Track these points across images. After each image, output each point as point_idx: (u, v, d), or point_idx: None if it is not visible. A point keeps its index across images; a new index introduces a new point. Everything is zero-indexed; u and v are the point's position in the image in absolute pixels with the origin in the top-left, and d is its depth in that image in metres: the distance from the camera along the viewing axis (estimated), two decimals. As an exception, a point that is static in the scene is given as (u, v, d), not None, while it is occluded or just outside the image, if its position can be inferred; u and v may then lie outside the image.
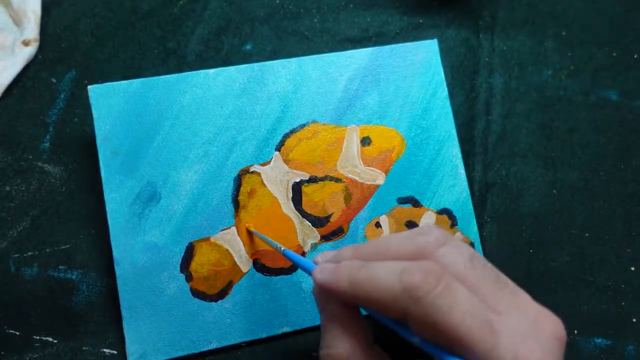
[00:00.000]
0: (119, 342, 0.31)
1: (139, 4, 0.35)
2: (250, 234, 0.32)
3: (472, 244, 0.34)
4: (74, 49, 0.34)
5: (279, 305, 0.31)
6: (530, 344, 0.20)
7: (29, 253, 0.31)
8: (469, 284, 0.21)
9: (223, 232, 0.32)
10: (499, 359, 0.20)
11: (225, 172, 0.32)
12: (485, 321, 0.20)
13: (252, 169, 0.32)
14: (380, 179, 0.33)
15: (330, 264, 0.23)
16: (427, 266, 0.20)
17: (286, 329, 0.31)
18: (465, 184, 0.34)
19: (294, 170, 0.33)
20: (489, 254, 0.34)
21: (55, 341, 0.30)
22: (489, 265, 0.22)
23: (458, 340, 0.20)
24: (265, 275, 0.31)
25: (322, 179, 0.33)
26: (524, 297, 0.22)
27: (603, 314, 0.34)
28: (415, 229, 0.24)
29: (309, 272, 0.25)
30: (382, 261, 0.22)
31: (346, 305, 0.23)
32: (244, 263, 0.31)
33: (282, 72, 0.33)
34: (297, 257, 0.27)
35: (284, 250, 0.28)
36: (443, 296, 0.20)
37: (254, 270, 0.31)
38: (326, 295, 0.23)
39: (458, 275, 0.21)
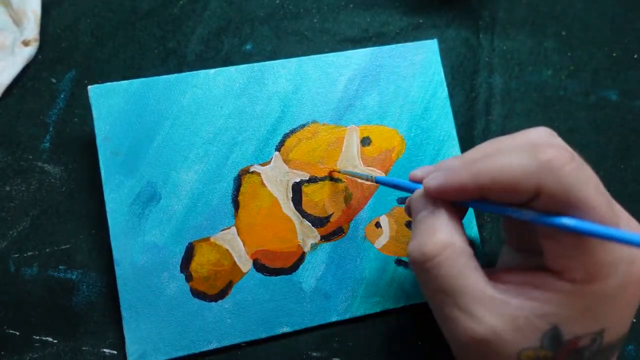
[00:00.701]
0: (119, 342, 0.31)
1: (139, 4, 0.35)
2: (332, 175, 0.33)
3: (472, 244, 0.34)
4: (74, 49, 0.34)
5: (278, 305, 0.31)
6: None
7: (29, 253, 0.31)
8: None
9: (223, 232, 0.32)
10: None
11: (225, 172, 0.32)
12: (610, 200, 0.22)
13: (252, 169, 0.32)
14: (380, 179, 0.33)
15: (439, 172, 0.24)
16: (557, 144, 0.22)
17: (286, 329, 0.31)
18: (465, 184, 0.34)
19: (294, 170, 0.33)
20: (489, 254, 0.34)
21: (55, 341, 0.30)
22: None
23: (591, 210, 0.21)
24: (265, 275, 0.31)
25: (322, 179, 0.33)
26: (616, 205, 0.24)
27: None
28: (519, 132, 0.24)
29: (409, 190, 0.26)
30: (498, 154, 0.22)
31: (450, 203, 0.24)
32: (244, 263, 0.31)
33: (282, 72, 0.33)
34: (393, 179, 0.28)
35: (375, 177, 0.29)
36: (578, 169, 0.21)
37: (254, 270, 0.31)
38: (427, 198, 0.24)
39: None
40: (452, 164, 0.24)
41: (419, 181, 0.25)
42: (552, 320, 0.22)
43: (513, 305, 0.22)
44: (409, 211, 0.27)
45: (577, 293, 0.22)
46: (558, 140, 0.24)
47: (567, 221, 0.20)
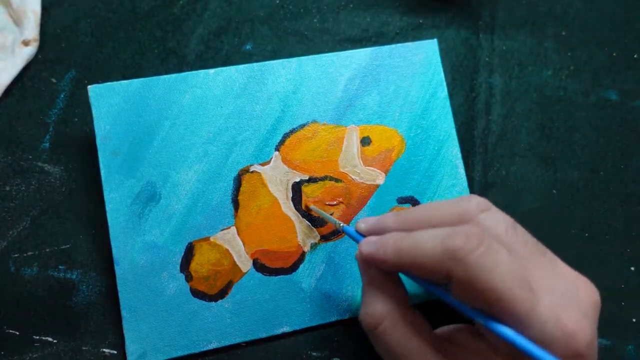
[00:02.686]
0: (119, 342, 0.31)
1: (139, 4, 0.36)
2: (308, 209, 0.32)
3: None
4: (74, 49, 0.34)
5: (278, 305, 0.31)
6: (570, 308, 0.21)
7: (29, 253, 0.31)
8: (509, 248, 0.22)
9: (223, 232, 0.32)
10: (538, 320, 0.20)
11: (225, 172, 0.32)
12: (525, 282, 0.21)
13: (252, 169, 0.32)
14: (380, 178, 0.33)
15: (374, 237, 0.25)
16: (468, 229, 0.21)
17: (286, 329, 0.31)
18: (465, 184, 0.34)
19: (294, 170, 0.33)
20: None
21: (55, 341, 0.30)
22: (529, 234, 0.23)
23: (498, 301, 0.20)
24: (265, 275, 0.31)
25: (322, 179, 0.33)
26: (561, 265, 0.24)
27: (603, 314, 0.34)
28: (456, 198, 0.25)
29: (357, 240, 0.27)
30: (424, 229, 0.23)
31: (386, 272, 0.25)
32: (244, 263, 0.31)
33: (282, 72, 0.33)
34: (351, 230, 0.28)
35: (342, 226, 0.29)
36: (484, 256, 0.20)
37: (254, 270, 0.31)
38: (367, 262, 0.25)
39: (499, 239, 0.22)
40: (388, 223, 0.25)
41: (363, 233, 0.27)
42: None
43: None
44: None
45: None
46: (487, 216, 0.23)
47: (476, 317, 0.21)
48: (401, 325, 0.24)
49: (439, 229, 0.22)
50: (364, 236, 0.26)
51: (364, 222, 0.27)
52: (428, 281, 0.24)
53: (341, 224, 0.30)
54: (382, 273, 0.25)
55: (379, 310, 0.24)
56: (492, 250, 0.21)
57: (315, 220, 0.32)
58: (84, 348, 0.30)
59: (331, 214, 0.33)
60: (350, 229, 0.28)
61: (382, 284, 0.25)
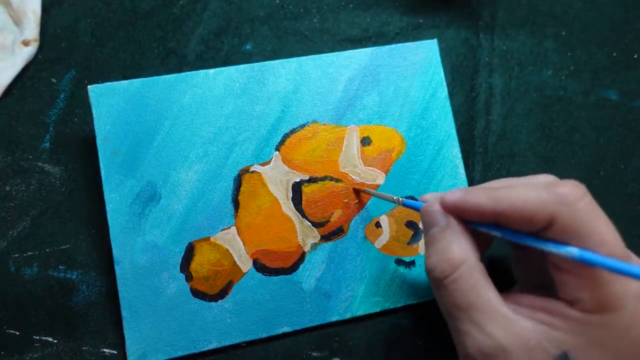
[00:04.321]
0: (119, 342, 0.31)
1: (139, 4, 0.35)
2: (357, 192, 0.33)
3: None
4: (74, 49, 0.34)
5: (278, 305, 0.31)
6: None
7: (29, 253, 0.31)
8: None
9: (223, 232, 0.32)
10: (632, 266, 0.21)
11: (225, 172, 0.32)
12: (620, 239, 0.23)
13: (252, 169, 0.32)
14: (380, 179, 0.33)
15: (458, 189, 0.25)
16: (572, 182, 0.23)
17: (286, 329, 0.31)
18: (465, 184, 0.34)
19: (294, 170, 0.33)
20: (489, 254, 0.34)
21: (55, 341, 0.30)
22: None
23: (601, 245, 0.22)
24: (265, 275, 0.31)
25: (322, 179, 0.33)
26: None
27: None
28: (526, 177, 0.26)
29: (416, 208, 0.27)
30: (517, 185, 0.24)
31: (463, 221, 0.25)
32: (244, 263, 0.31)
33: (282, 72, 0.33)
34: (413, 202, 0.28)
35: (402, 201, 0.29)
36: (591, 205, 0.22)
37: (254, 270, 0.31)
38: (451, 210, 0.25)
39: None
40: (471, 190, 0.25)
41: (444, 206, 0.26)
42: (563, 346, 0.22)
43: (525, 326, 0.23)
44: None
45: (587, 322, 0.22)
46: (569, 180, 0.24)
47: (574, 250, 0.21)
48: (478, 273, 0.24)
49: (538, 184, 0.23)
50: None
51: (432, 194, 0.27)
52: (510, 230, 0.24)
53: (401, 198, 0.29)
54: (460, 221, 0.25)
55: (457, 255, 0.24)
56: (595, 203, 0.23)
57: (315, 221, 0.32)
58: (84, 348, 0.30)
59: (331, 214, 0.33)
60: (412, 201, 0.29)
61: (460, 231, 0.25)
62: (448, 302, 0.24)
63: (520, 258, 0.28)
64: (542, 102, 0.37)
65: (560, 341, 0.22)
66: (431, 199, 0.26)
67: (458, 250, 0.24)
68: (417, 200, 0.33)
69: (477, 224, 0.25)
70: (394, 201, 0.30)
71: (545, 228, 0.22)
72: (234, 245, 0.32)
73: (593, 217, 0.22)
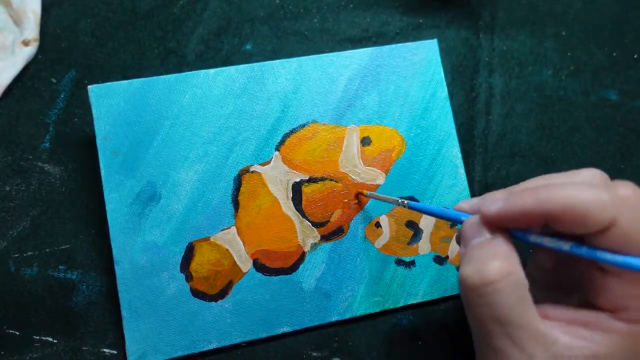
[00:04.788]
0: (119, 342, 0.31)
1: (139, 4, 0.35)
2: (362, 196, 0.32)
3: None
4: (74, 49, 0.34)
5: (278, 305, 0.31)
6: None
7: (29, 253, 0.31)
8: None
9: (223, 232, 0.32)
10: None
11: (225, 172, 0.32)
12: None
13: (252, 169, 0.32)
14: (380, 179, 0.33)
15: (497, 197, 0.23)
16: (630, 183, 0.21)
17: (286, 329, 0.31)
18: (465, 184, 0.34)
19: (294, 170, 0.33)
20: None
21: (55, 341, 0.30)
22: None
23: None
24: (265, 275, 0.31)
25: (322, 179, 0.33)
26: None
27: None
28: (567, 172, 0.24)
29: (457, 220, 0.24)
30: (565, 184, 0.21)
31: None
32: (244, 263, 0.31)
33: (282, 72, 0.33)
34: (435, 208, 0.27)
35: (407, 203, 0.28)
36: None
37: (254, 270, 0.31)
38: (494, 220, 0.22)
39: None
40: (498, 196, 0.23)
41: (466, 212, 0.25)
42: None
43: (562, 343, 0.21)
44: (459, 240, 0.25)
45: (633, 334, 0.21)
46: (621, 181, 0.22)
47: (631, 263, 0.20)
48: (522, 288, 0.21)
49: (589, 182, 0.22)
50: (458, 215, 0.25)
51: (466, 202, 0.25)
52: (558, 235, 0.22)
53: (406, 202, 0.28)
54: (506, 233, 0.23)
55: (502, 266, 0.21)
56: None
57: (315, 221, 0.32)
58: (84, 348, 0.30)
59: (331, 214, 0.33)
60: (422, 205, 0.27)
61: (503, 240, 0.22)
62: (486, 314, 0.21)
63: (545, 259, 0.26)
64: (542, 102, 0.37)
65: (601, 357, 0.21)
66: (467, 208, 0.24)
67: (504, 261, 0.21)
68: (417, 200, 0.33)
69: (521, 235, 0.23)
70: (399, 204, 0.29)
71: (600, 232, 0.20)
72: (234, 245, 0.32)
73: None
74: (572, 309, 0.23)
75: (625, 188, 0.21)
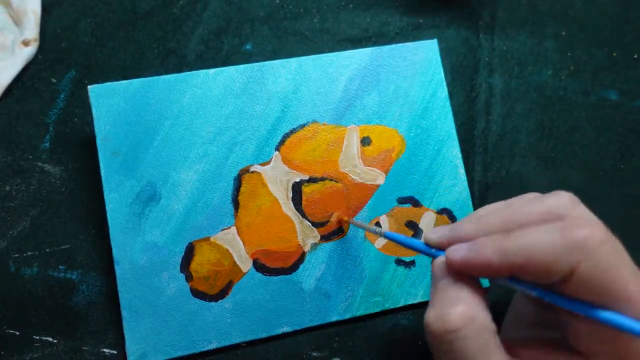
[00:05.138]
0: (119, 342, 0.31)
1: (139, 4, 0.35)
2: (341, 222, 0.32)
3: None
4: (74, 49, 0.34)
5: (278, 305, 0.31)
6: None
7: (29, 253, 0.31)
8: None
9: (223, 232, 0.32)
10: None
11: (225, 172, 0.32)
12: None
13: (252, 169, 0.32)
14: (380, 179, 0.33)
15: (462, 244, 0.22)
16: (587, 218, 0.20)
17: (286, 329, 0.31)
18: (465, 184, 0.34)
19: (294, 170, 0.33)
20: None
21: (55, 341, 0.30)
22: None
23: (627, 299, 0.19)
24: (265, 275, 0.31)
25: (322, 179, 0.33)
26: None
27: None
28: (532, 195, 0.23)
29: (431, 254, 0.24)
30: (524, 228, 0.21)
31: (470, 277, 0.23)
32: (244, 263, 0.31)
33: (282, 72, 0.33)
34: (409, 240, 0.26)
35: (385, 233, 0.27)
36: (614, 251, 0.19)
37: (254, 270, 0.31)
38: (460, 269, 0.22)
39: None
40: (467, 230, 0.23)
41: (434, 247, 0.24)
42: None
43: None
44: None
45: None
46: (583, 211, 0.22)
47: (607, 315, 0.19)
48: (489, 333, 0.21)
49: (549, 224, 0.20)
50: (430, 248, 0.24)
51: (434, 231, 0.24)
52: (526, 283, 0.22)
53: (383, 231, 0.28)
54: (467, 277, 0.22)
55: (465, 312, 0.21)
56: (617, 244, 0.20)
57: (315, 221, 0.32)
58: (84, 348, 0.30)
59: (330, 215, 0.33)
60: (404, 237, 0.27)
61: (466, 285, 0.22)
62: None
63: (525, 299, 0.26)
64: (542, 102, 0.37)
65: None
66: (435, 241, 0.24)
67: (467, 306, 0.21)
68: (417, 200, 0.33)
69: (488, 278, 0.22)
70: (377, 233, 0.29)
71: (562, 280, 0.20)
72: (234, 245, 0.32)
73: (617, 266, 0.19)
74: (544, 351, 0.22)
75: (581, 230, 0.20)
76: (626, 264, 0.20)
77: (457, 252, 0.22)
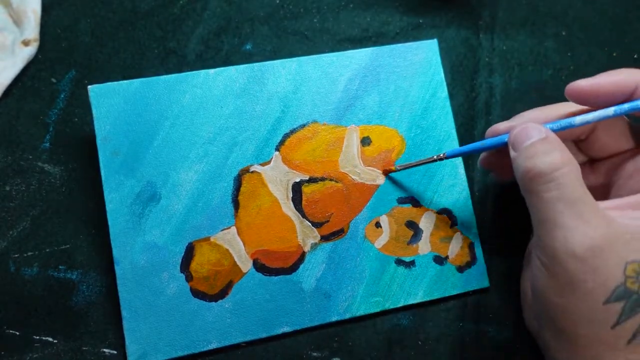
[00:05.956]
0: (119, 342, 0.31)
1: (139, 4, 0.35)
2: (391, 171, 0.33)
3: (472, 244, 0.34)
4: (74, 49, 0.34)
5: (278, 305, 0.31)
6: None
7: (29, 253, 0.31)
8: None
9: (223, 232, 0.32)
10: None
11: (225, 172, 0.32)
12: None
13: (252, 169, 0.32)
14: (380, 179, 0.33)
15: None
16: None
17: (286, 329, 0.31)
18: (465, 184, 0.34)
19: (294, 170, 0.33)
20: (489, 254, 0.34)
21: (55, 341, 0.30)
22: None
23: None
24: (265, 275, 0.31)
25: (322, 179, 0.33)
26: None
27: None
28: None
29: (500, 143, 0.29)
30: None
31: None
32: (244, 263, 0.31)
33: (282, 72, 0.33)
34: (474, 144, 0.31)
35: (446, 153, 0.31)
36: None
37: (254, 270, 0.31)
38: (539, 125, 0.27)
39: None
40: (531, 116, 0.30)
41: (504, 132, 0.29)
42: None
43: (619, 222, 0.24)
44: (487, 162, 0.32)
45: None
46: None
47: None
48: (580, 173, 0.25)
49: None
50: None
51: (501, 123, 0.30)
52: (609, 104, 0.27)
53: (445, 154, 0.31)
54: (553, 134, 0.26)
55: (563, 155, 0.25)
56: None
57: (315, 221, 0.32)
58: (84, 348, 0.31)
59: (330, 215, 0.33)
60: (466, 146, 0.31)
61: (556, 137, 0.26)
62: (555, 197, 0.24)
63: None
64: (542, 102, 0.37)
65: None
66: (503, 129, 0.29)
67: (560, 152, 0.25)
68: (416, 200, 0.33)
69: (567, 124, 0.27)
70: (435, 160, 0.31)
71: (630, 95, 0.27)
72: (234, 245, 0.32)
73: None
74: (618, 199, 0.27)
75: None
76: None
77: (580, 82, 0.28)
